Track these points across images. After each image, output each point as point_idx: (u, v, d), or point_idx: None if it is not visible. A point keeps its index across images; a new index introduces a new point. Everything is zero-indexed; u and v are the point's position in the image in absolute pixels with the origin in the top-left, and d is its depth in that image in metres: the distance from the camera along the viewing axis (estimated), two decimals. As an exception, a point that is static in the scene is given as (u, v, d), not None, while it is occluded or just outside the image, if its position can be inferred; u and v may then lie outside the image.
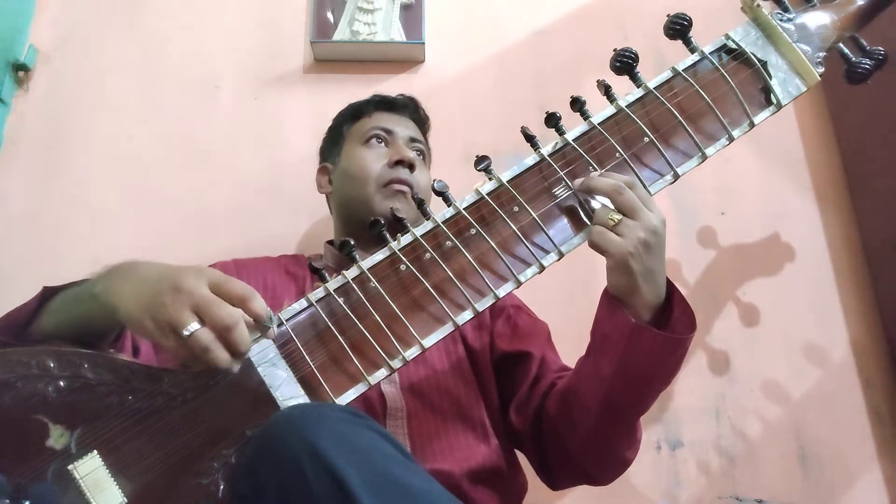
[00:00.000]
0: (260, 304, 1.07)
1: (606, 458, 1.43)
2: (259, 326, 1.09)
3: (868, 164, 2.22)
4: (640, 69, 1.34)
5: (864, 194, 2.23)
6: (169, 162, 2.28)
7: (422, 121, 1.89)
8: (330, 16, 2.42)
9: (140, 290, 1.08)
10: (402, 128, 1.79)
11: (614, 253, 1.19)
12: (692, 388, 2.10)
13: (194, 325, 1.01)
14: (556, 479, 1.53)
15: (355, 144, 1.77)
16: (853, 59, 1.41)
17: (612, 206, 1.21)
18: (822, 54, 1.38)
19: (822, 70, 1.37)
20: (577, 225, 1.26)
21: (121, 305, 1.09)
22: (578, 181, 1.25)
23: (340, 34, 2.39)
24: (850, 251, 2.24)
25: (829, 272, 2.22)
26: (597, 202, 1.24)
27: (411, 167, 1.69)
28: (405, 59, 2.43)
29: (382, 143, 1.75)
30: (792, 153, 2.35)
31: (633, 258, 1.19)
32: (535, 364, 1.55)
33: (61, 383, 1.05)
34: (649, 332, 1.22)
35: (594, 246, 1.22)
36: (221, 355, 1.02)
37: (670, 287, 1.28)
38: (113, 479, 1.03)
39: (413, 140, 1.79)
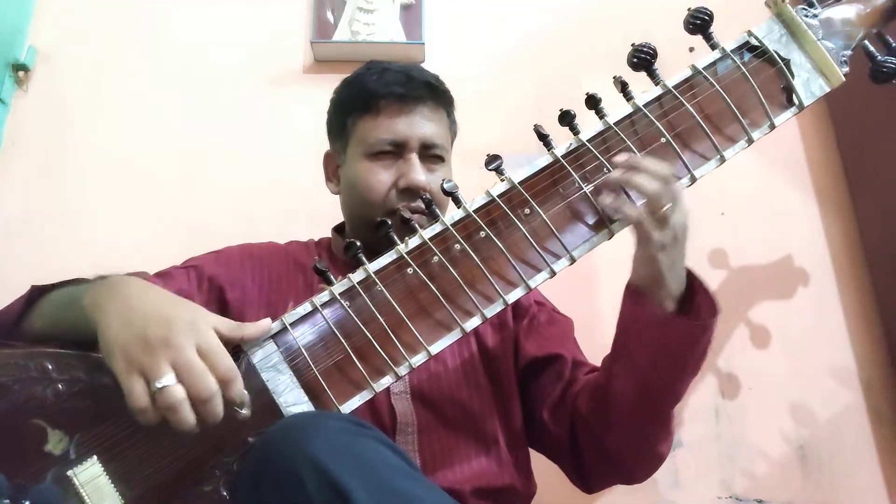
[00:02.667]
0: (237, 391, 1.02)
1: (643, 453, 1.42)
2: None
3: (868, 165, 2.22)
4: (639, 72, 1.29)
5: (864, 194, 2.23)
6: (168, 162, 2.29)
7: (443, 102, 1.64)
8: (330, 16, 2.43)
9: (127, 323, 1.03)
10: (417, 129, 1.54)
11: (652, 244, 1.19)
12: (692, 388, 2.06)
13: (170, 380, 0.96)
14: (592, 482, 1.51)
15: (361, 153, 1.56)
16: (878, 57, 1.35)
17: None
18: (847, 52, 1.32)
19: (846, 69, 1.31)
20: (591, 229, 1.22)
21: (103, 329, 1.04)
22: (625, 157, 1.20)
23: (340, 34, 2.40)
24: (850, 251, 2.24)
25: (830, 272, 2.23)
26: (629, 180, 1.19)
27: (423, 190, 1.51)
28: (405, 59, 2.38)
29: (391, 156, 1.54)
30: (792, 153, 2.36)
31: (662, 252, 1.19)
32: (568, 366, 1.51)
33: (60, 387, 1.03)
34: (677, 322, 1.23)
35: (641, 233, 1.20)
36: (188, 418, 0.97)
37: (690, 275, 1.29)
38: (113, 486, 1.01)
39: (428, 146, 1.55)
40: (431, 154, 1.55)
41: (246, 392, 1.03)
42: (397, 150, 1.53)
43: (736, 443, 2.05)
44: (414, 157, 1.51)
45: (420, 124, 1.54)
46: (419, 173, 1.50)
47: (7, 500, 0.93)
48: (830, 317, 2.18)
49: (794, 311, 2.17)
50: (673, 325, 1.23)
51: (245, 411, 1.04)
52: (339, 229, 1.72)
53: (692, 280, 1.28)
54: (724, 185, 2.24)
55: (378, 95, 1.55)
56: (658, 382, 1.29)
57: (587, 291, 2.03)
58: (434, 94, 1.59)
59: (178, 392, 0.96)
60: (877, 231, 2.16)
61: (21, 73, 2.33)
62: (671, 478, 2.02)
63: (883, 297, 2.13)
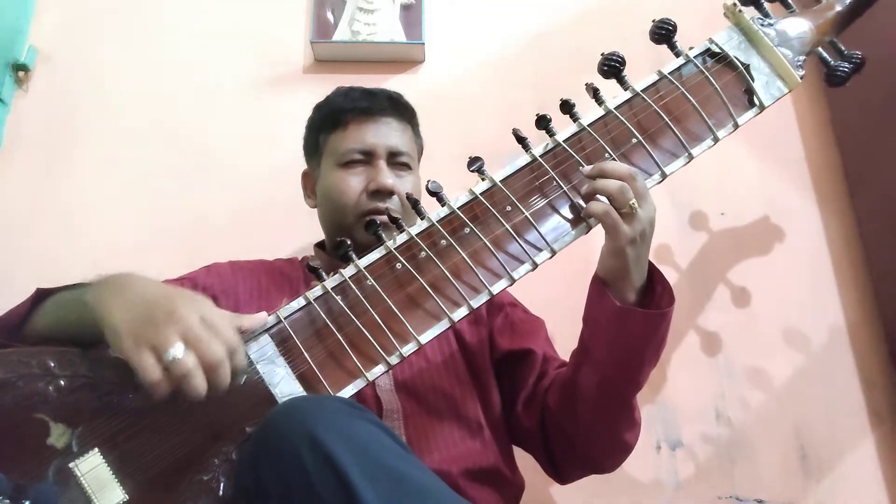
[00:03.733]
0: (240, 358, 1.09)
1: (609, 443, 1.50)
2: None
3: (868, 164, 2.24)
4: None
5: (865, 194, 2.24)
6: (169, 162, 2.30)
7: (406, 116, 1.79)
8: (330, 16, 2.45)
9: (131, 307, 1.09)
10: (383, 138, 1.70)
11: (621, 237, 1.27)
12: (691, 388, 2.12)
13: (180, 349, 1.01)
14: (564, 473, 1.59)
15: (332, 164, 1.71)
16: (832, 62, 1.48)
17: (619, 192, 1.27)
18: (802, 58, 1.44)
19: (802, 73, 1.43)
20: (570, 223, 1.32)
21: (107, 317, 1.10)
22: (589, 168, 1.31)
23: (340, 34, 2.42)
24: (849, 251, 2.25)
25: (829, 272, 2.24)
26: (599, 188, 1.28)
27: (391, 192, 1.65)
28: (405, 59, 2.45)
29: (361, 164, 1.68)
30: (792, 153, 2.37)
31: (631, 245, 1.28)
32: (539, 360, 1.61)
33: (62, 382, 1.09)
34: (636, 312, 1.32)
35: (608, 226, 1.28)
36: (200, 384, 1.02)
37: (650, 266, 1.38)
38: (114, 476, 1.06)
39: (395, 153, 1.70)
40: (398, 161, 1.70)
41: (245, 361, 1.10)
42: (366, 157, 1.67)
43: (736, 443, 2.06)
44: (382, 163, 1.66)
45: (386, 133, 1.71)
46: (387, 176, 1.63)
47: (7, 501, 0.99)
48: (831, 317, 2.19)
49: (794, 312, 2.19)
50: (634, 316, 1.32)
51: (241, 381, 1.11)
52: (321, 246, 1.82)
53: (652, 270, 1.38)
54: (724, 185, 2.29)
55: (345, 110, 1.73)
56: (619, 371, 1.38)
57: (583, 291, 2.09)
58: (396, 107, 1.77)
59: (190, 360, 1.02)
60: (877, 231, 2.18)
61: (21, 73, 2.34)
62: (671, 478, 2.04)
63: (883, 297, 2.15)
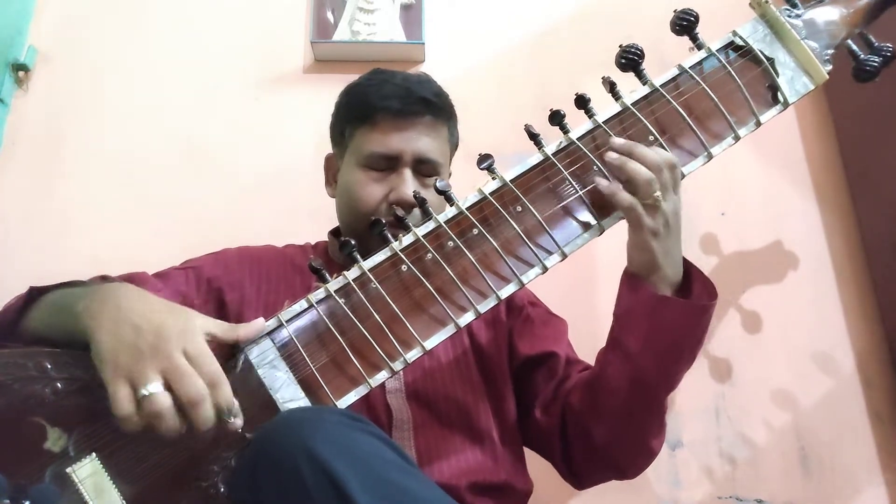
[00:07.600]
0: (224, 396, 1.03)
1: (634, 446, 1.42)
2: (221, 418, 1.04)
3: (868, 164, 2.22)
4: (627, 72, 1.32)
5: (864, 194, 2.23)
6: (169, 162, 2.29)
7: (442, 117, 1.62)
8: (330, 16, 2.43)
9: (117, 332, 1.05)
10: (412, 144, 1.54)
11: (643, 228, 1.22)
12: (692, 388, 2.09)
13: (156, 387, 0.98)
14: (583, 477, 1.53)
15: (355, 162, 1.58)
16: (861, 56, 1.39)
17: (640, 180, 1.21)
18: (830, 51, 1.36)
19: (830, 68, 1.35)
20: (582, 225, 1.25)
21: (94, 337, 1.06)
22: (620, 141, 1.24)
23: (340, 34, 2.40)
24: (850, 252, 2.24)
25: (830, 273, 2.23)
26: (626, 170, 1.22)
27: (412, 205, 1.49)
28: (405, 59, 2.43)
29: (384, 168, 1.55)
30: (792, 153, 2.36)
31: (655, 238, 1.23)
32: (561, 364, 1.54)
33: (58, 385, 1.04)
34: (674, 301, 1.26)
35: (631, 217, 1.23)
36: (172, 425, 0.99)
37: (688, 265, 1.32)
38: (112, 482, 1.02)
39: (421, 160, 1.55)
40: (426, 169, 1.56)
41: (234, 400, 1.04)
42: (391, 163, 1.54)
43: (736, 443, 2.06)
44: (406, 172, 1.53)
45: (415, 139, 1.55)
46: (409, 187, 1.49)
47: (7, 500, 0.93)
48: (831, 317, 2.18)
49: (795, 312, 2.17)
50: (670, 306, 1.26)
51: (236, 420, 1.05)
52: (335, 233, 1.73)
53: (689, 269, 1.31)
54: (724, 185, 2.26)
55: (375, 108, 1.56)
56: (651, 370, 1.30)
57: (587, 292, 2.05)
58: (432, 109, 1.59)
59: (164, 399, 0.98)
60: (877, 232, 2.16)
61: (21, 73, 2.33)
62: (671, 478, 2.03)
63: (883, 297, 2.14)
